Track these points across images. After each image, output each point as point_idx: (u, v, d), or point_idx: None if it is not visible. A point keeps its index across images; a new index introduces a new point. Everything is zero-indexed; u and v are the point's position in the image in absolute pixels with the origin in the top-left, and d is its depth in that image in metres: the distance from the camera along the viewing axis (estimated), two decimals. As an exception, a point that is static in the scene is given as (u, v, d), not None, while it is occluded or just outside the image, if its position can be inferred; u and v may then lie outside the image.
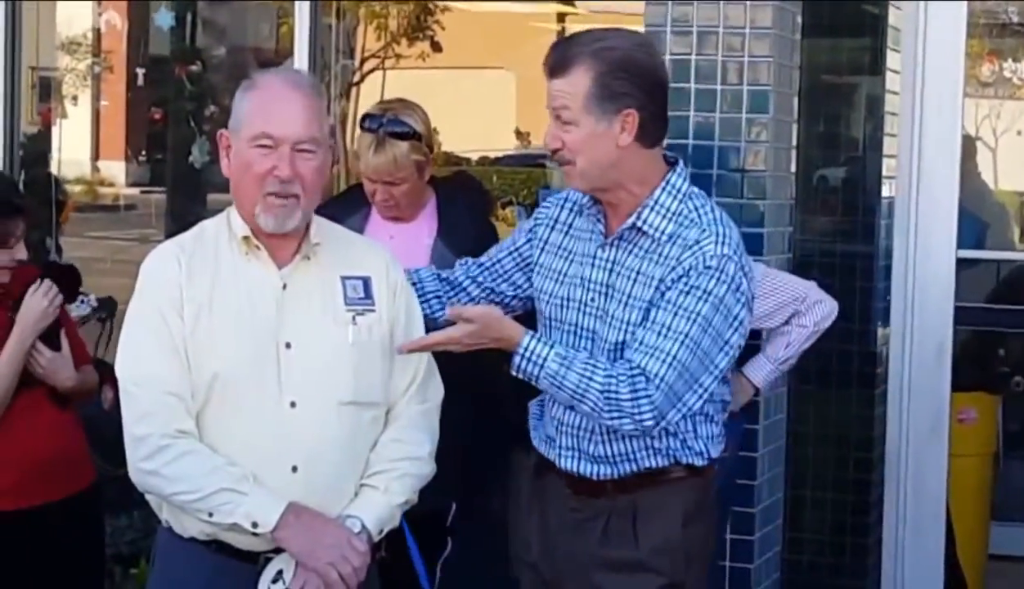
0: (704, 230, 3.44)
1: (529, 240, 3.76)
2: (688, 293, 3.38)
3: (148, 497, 3.47)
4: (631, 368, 3.37)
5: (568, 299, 3.59)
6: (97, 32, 8.62)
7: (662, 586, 3.53)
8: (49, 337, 4.47)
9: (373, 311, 3.46)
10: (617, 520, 3.56)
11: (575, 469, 3.59)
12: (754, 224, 4.90)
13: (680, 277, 3.40)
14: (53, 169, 7.22)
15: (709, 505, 3.65)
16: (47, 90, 7.49)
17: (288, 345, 3.37)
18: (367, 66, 12.16)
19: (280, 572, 3.33)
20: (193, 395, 3.34)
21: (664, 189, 3.50)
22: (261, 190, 3.36)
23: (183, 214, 7.59)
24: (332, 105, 7.29)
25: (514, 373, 3.45)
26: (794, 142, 5.27)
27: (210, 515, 3.29)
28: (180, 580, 3.44)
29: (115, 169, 14.92)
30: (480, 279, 3.85)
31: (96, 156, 15.93)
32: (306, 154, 3.38)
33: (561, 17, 13.95)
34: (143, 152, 9.25)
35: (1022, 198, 9.19)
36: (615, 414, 3.37)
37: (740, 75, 4.94)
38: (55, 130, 7.43)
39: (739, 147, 4.92)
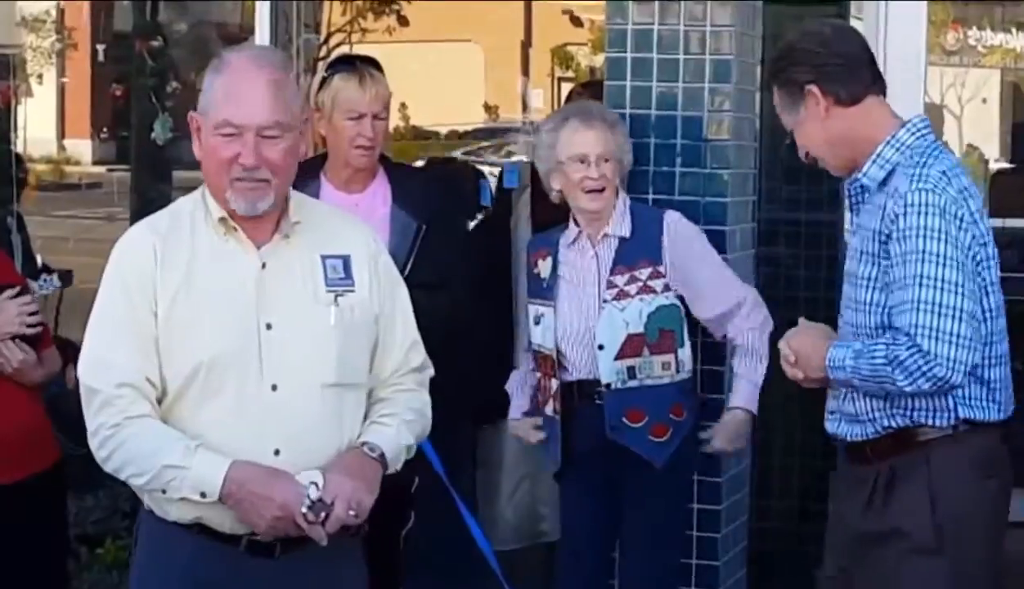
0: (900, 175, 3.51)
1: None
2: (904, 239, 3.43)
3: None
4: (895, 332, 3.43)
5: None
6: (60, 9, 8.57)
7: (910, 550, 3.50)
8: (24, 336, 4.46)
9: (353, 291, 3.43)
10: (878, 487, 3.57)
11: (836, 431, 3.70)
12: (718, 194, 4.90)
13: (893, 228, 3.46)
14: (16, 147, 7.16)
15: (988, 462, 3.57)
16: (6, 68, 7.43)
17: (269, 326, 3.35)
18: (333, 41, 12.11)
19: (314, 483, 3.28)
20: (171, 382, 3.32)
21: (888, 143, 3.58)
22: (228, 176, 3.33)
23: (148, 192, 7.55)
24: (298, 80, 7.26)
25: (835, 388, 3.64)
26: (757, 111, 5.26)
27: (164, 492, 3.28)
28: (164, 563, 3.42)
29: (81, 147, 14.88)
30: None
31: (62, 134, 15.88)
32: (272, 139, 3.33)
33: (527, -11, 13.93)
34: (105, 130, 9.20)
35: (987, 164, 9.24)
36: (908, 378, 3.40)
37: (702, 44, 4.93)
38: (20, 109, 7.37)
39: (702, 117, 4.91)
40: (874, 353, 3.45)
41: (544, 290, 4.66)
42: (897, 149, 3.57)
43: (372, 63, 4.70)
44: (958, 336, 3.39)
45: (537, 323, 4.67)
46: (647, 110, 4.93)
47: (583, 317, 4.56)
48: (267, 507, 3.23)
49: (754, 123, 5.20)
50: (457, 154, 8.66)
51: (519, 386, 4.87)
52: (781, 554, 5.87)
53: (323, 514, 3.24)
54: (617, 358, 4.52)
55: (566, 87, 15.67)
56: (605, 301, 4.54)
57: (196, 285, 3.34)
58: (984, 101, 9.94)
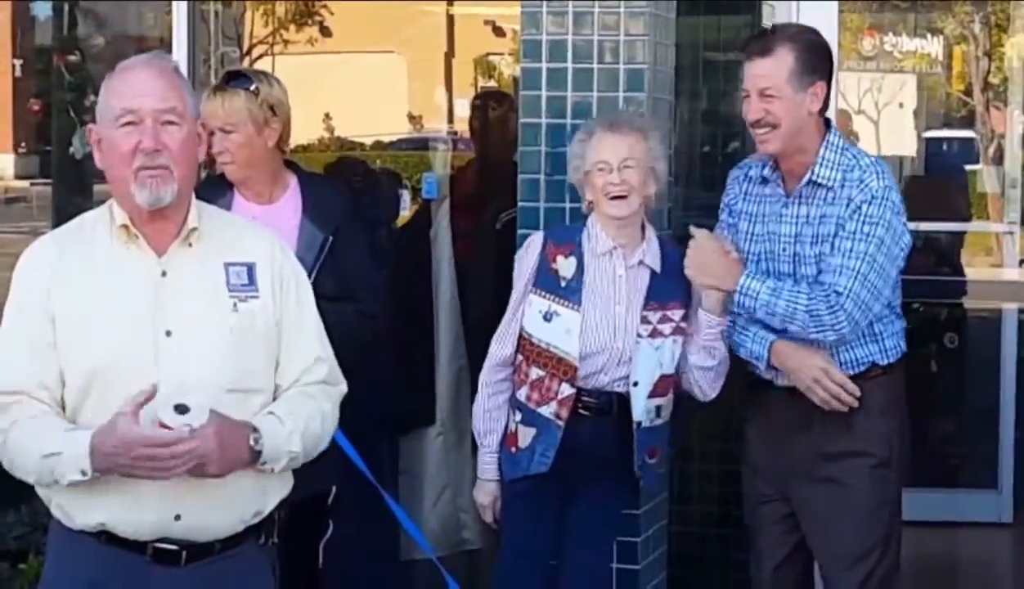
0: (864, 170, 4.28)
1: (731, 215, 4.57)
2: (864, 221, 4.24)
3: (37, 490, 3.46)
4: (825, 289, 4.23)
5: (762, 254, 4.42)
6: (-22, 24, 8.52)
7: (874, 465, 4.37)
8: None
9: (256, 297, 3.45)
10: (832, 418, 4.35)
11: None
12: (633, 201, 4.93)
13: (855, 210, 4.25)
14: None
15: (901, 397, 4.49)
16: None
17: (168, 333, 3.36)
18: (255, 52, 12.08)
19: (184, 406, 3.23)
20: (69, 389, 3.34)
21: (827, 147, 4.34)
22: (131, 167, 3.35)
23: (68, 206, 7.51)
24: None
25: (735, 309, 4.34)
26: (672, 120, 5.31)
27: (57, 482, 3.28)
28: (69, 575, 3.43)
29: (3, 162, 14.77)
30: None
31: (-17, 149, 15.76)
32: (171, 126, 3.37)
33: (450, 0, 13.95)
34: (23, 144, 9.16)
35: (902, 167, 9.38)
36: (819, 328, 4.23)
37: (616, 54, 4.98)
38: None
39: (617, 126, 4.94)
40: (796, 299, 4.23)
41: (563, 290, 4.47)
42: (836, 151, 4.32)
43: (238, 75, 4.71)
44: (863, 302, 4.23)
45: (548, 320, 4.47)
46: (563, 119, 4.97)
47: (609, 333, 4.46)
48: (123, 451, 3.19)
49: (669, 131, 5.24)
50: (377, 164, 8.70)
51: (490, 412, 4.60)
52: (701, 558, 5.92)
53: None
54: (649, 396, 4.50)
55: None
56: (640, 336, 4.46)
57: (94, 293, 3.37)
58: (900, 106, 10.07)
